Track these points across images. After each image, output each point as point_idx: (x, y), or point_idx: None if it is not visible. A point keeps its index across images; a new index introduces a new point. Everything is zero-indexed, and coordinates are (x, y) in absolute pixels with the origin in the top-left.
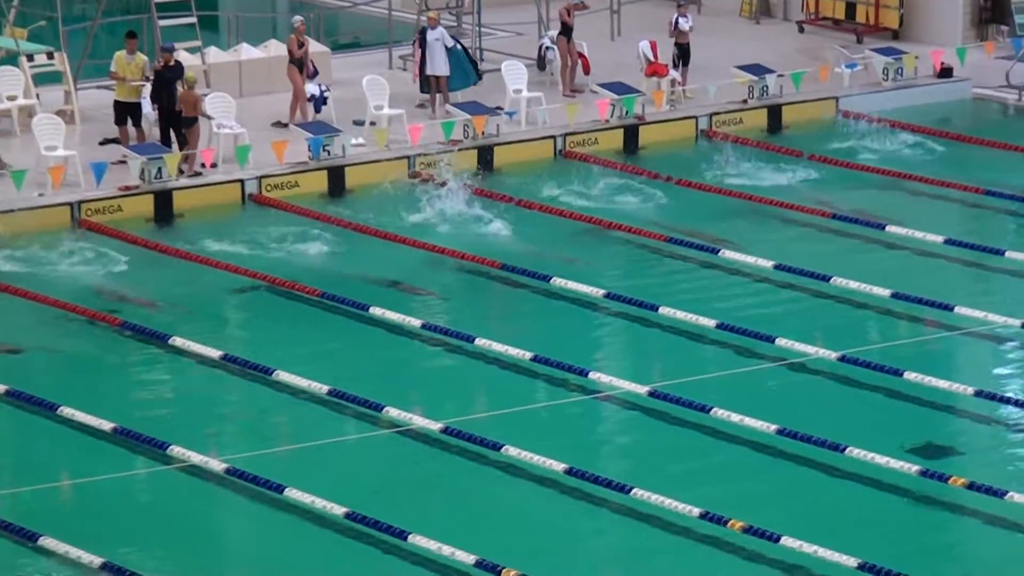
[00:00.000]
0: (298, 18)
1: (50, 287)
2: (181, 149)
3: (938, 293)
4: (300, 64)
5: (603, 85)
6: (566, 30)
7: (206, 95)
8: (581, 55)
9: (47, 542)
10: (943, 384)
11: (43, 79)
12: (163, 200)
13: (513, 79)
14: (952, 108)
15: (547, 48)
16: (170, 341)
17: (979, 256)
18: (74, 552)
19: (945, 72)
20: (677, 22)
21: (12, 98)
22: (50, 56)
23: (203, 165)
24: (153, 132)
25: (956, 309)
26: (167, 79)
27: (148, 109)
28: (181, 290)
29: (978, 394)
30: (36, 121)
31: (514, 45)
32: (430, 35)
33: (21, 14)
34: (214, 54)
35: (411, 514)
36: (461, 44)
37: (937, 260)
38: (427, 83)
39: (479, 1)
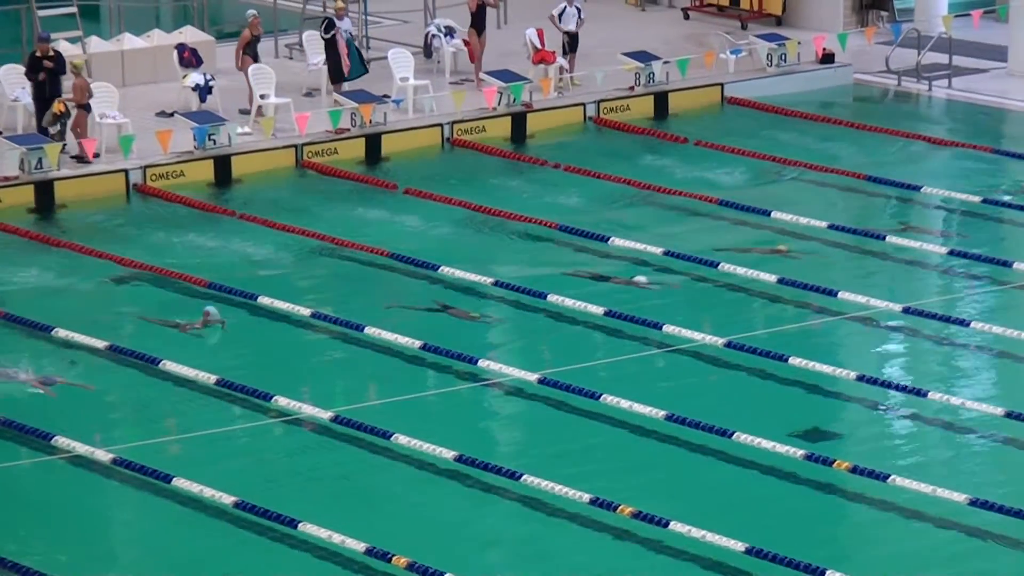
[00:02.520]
0: (251, 12)
1: None
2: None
3: (822, 279)
4: (255, 53)
5: (490, 73)
6: (478, 21)
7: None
8: (467, 43)
9: None
10: (827, 369)
11: None
12: (44, 191)
13: (400, 67)
14: (834, 93)
15: (433, 36)
16: (54, 332)
17: (861, 241)
18: None
19: (827, 58)
20: (563, 13)
21: None
22: None
23: (85, 155)
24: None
25: (839, 294)
26: (50, 71)
27: (27, 99)
28: (64, 281)
29: (860, 379)
30: None
31: (400, 33)
32: (340, 25)
33: None
34: (95, 43)
35: (301, 503)
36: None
37: (821, 245)
38: (341, 74)
39: None
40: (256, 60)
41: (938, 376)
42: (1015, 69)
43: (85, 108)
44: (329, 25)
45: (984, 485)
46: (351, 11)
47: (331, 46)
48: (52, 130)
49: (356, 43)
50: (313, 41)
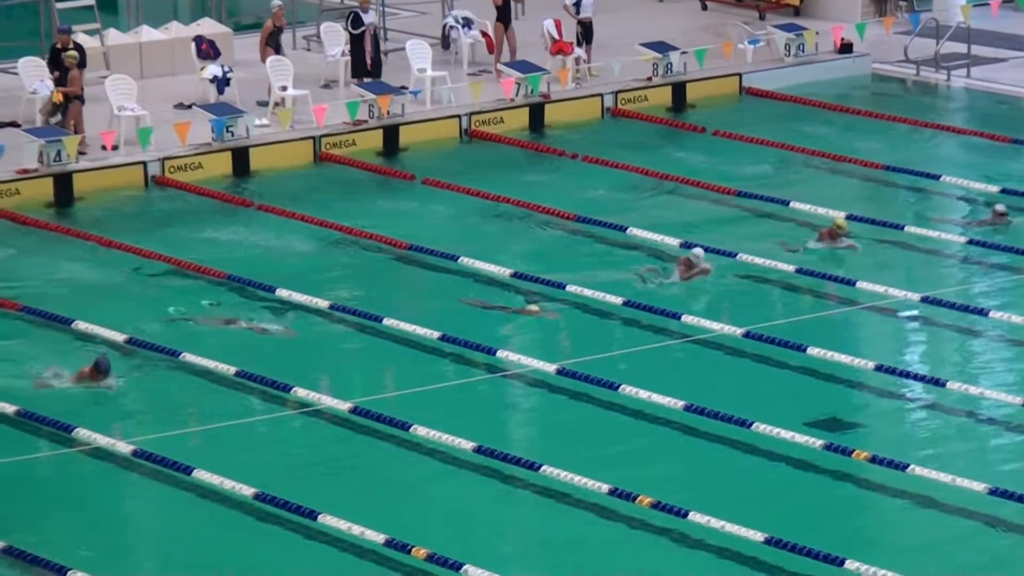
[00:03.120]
0: (276, 3)
1: None
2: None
3: (840, 268)
4: (277, 45)
5: (508, 64)
6: (503, 14)
7: (105, 77)
8: (485, 34)
9: None
10: (846, 359)
11: None
12: (63, 184)
13: (417, 58)
14: (852, 84)
15: (451, 27)
16: (73, 325)
17: (879, 231)
18: None
19: (845, 48)
20: (579, 4)
21: None
22: None
23: (104, 147)
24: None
25: (858, 284)
26: (63, 65)
27: (45, 92)
28: (84, 274)
29: (879, 368)
30: None
31: (418, 24)
32: (366, 20)
33: None
34: (114, 36)
35: (320, 494)
36: None
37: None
38: (365, 69)
39: None
40: (279, 51)
41: (957, 366)
42: None
43: (79, 99)
44: (357, 20)
45: (1004, 475)
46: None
47: (357, 40)
48: (52, 120)
49: (378, 37)
50: (331, 33)
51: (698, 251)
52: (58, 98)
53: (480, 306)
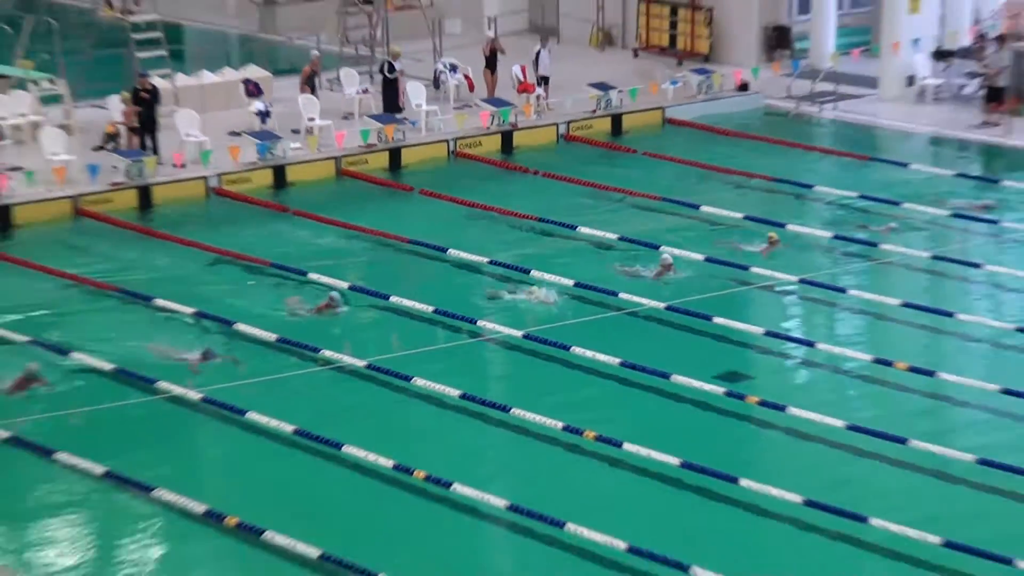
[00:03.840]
0: (315, 52)
1: (57, 263)
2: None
3: (739, 257)
4: (312, 84)
5: (485, 100)
6: (491, 63)
7: (175, 111)
8: (467, 77)
9: (60, 456)
10: (742, 326)
11: (47, 100)
12: (144, 193)
13: (415, 96)
14: (749, 115)
15: (441, 72)
16: (154, 301)
17: (769, 228)
18: (81, 464)
19: (743, 87)
20: (538, 56)
21: (23, 115)
22: (51, 82)
23: (174, 165)
24: (133, 140)
25: (751, 269)
26: (144, 101)
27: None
28: (162, 262)
29: (767, 333)
30: (43, 132)
31: (415, 69)
32: (396, 66)
33: (29, 50)
34: (181, 79)
35: (344, 430)
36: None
37: (740, 231)
38: (398, 107)
39: (387, 35)
40: (315, 91)
41: (824, 331)
42: (884, 95)
43: (134, 131)
44: (391, 68)
45: (858, 414)
46: (378, 52)
47: (390, 84)
48: (107, 146)
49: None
50: (349, 76)
51: (667, 257)
52: (110, 130)
53: (494, 295)
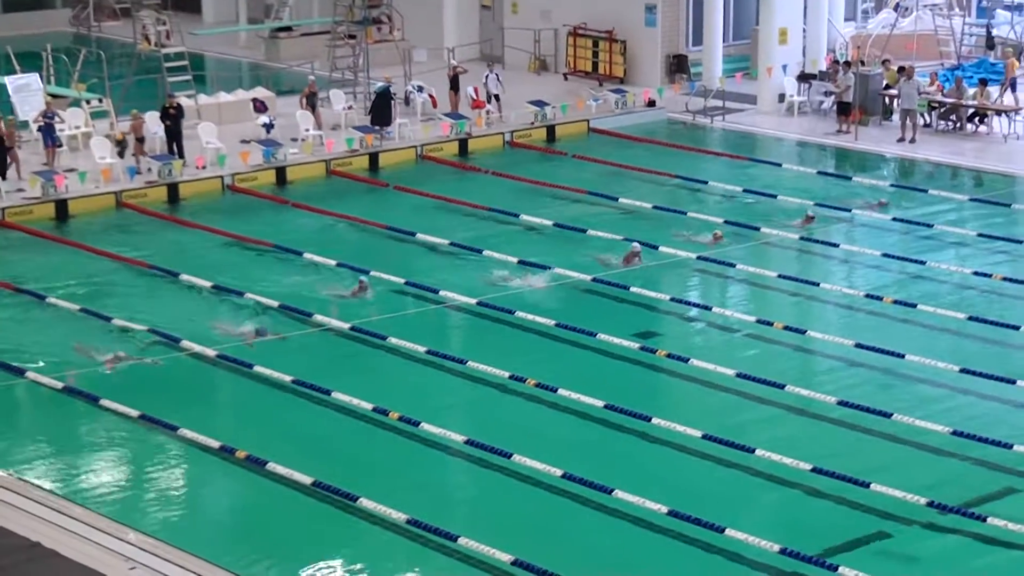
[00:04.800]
0: (311, 78)
1: (103, 245)
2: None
3: (650, 238)
4: (313, 104)
5: (445, 114)
6: (454, 84)
7: (198, 124)
8: (432, 96)
9: (105, 403)
10: (653, 294)
11: (96, 115)
12: (172, 189)
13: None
14: (656, 125)
15: (410, 91)
16: (180, 277)
17: (671, 216)
18: (122, 408)
19: (651, 103)
20: (487, 79)
21: (77, 127)
22: (100, 100)
23: (197, 167)
24: (138, 147)
25: (660, 248)
26: (172, 115)
27: (161, 133)
28: (182, 244)
29: (672, 299)
30: (92, 141)
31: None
32: (392, 89)
33: (82, 75)
34: (203, 98)
35: (332, 379)
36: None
37: (647, 219)
38: (387, 120)
39: (368, 63)
40: (314, 108)
41: (717, 297)
42: (761, 109)
43: (140, 140)
44: (388, 90)
45: (745, 362)
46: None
47: (384, 101)
48: (116, 151)
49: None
50: (336, 95)
51: (636, 246)
52: (119, 137)
53: (504, 280)
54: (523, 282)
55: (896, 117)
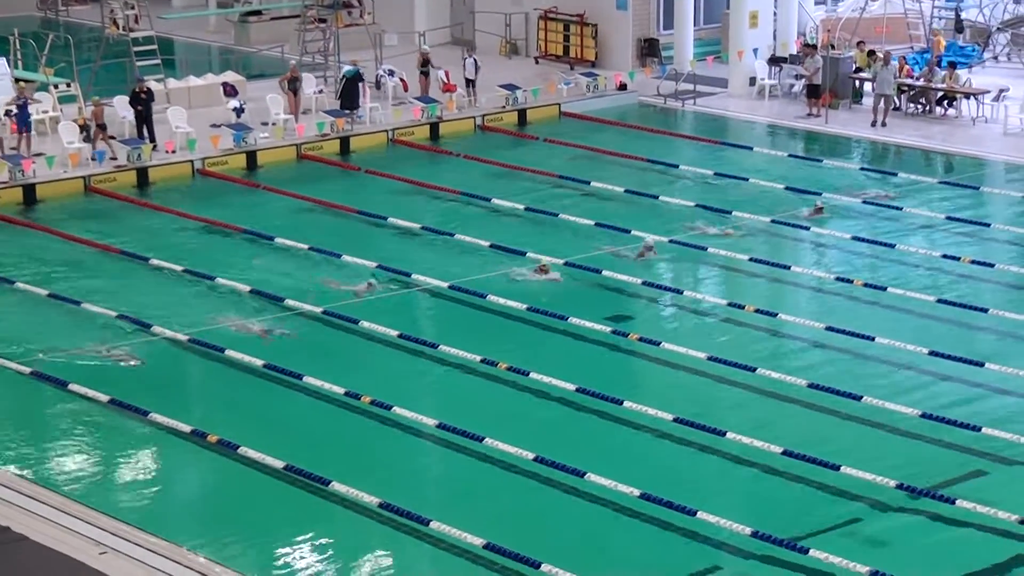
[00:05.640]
0: (292, 61)
1: (71, 230)
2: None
3: (623, 222)
4: (295, 89)
5: (416, 98)
6: (424, 68)
7: (167, 108)
8: (402, 80)
9: (74, 387)
10: (624, 278)
11: (64, 99)
12: (142, 174)
13: (361, 95)
14: (627, 109)
15: (381, 75)
16: (150, 261)
17: (642, 200)
18: (91, 392)
19: (623, 87)
20: (465, 63)
21: (45, 112)
22: (68, 85)
23: (167, 151)
24: (98, 133)
25: (632, 231)
26: (142, 100)
27: (131, 117)
28: (150, 228)
29: (644, 283)
30: (60, 126)
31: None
32: (361, 71)
33: (50, 59)
34: (172, 82)
35: (307, 365)
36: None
37: (619, 204)
38: (356, 104)
39: (338, 47)
40: (296, 93)
41: (688, 282)
42: (732, 92)
43: (101, 127)
44: (358, 75)
45: (718, 346)
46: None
47: (353, 86)
48: (81, 136)
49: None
50: (308, 80)
51: (650, 240)
52: (81, 121)
53: (512, 274)
54: (544, 277)
55: (868, 101)
